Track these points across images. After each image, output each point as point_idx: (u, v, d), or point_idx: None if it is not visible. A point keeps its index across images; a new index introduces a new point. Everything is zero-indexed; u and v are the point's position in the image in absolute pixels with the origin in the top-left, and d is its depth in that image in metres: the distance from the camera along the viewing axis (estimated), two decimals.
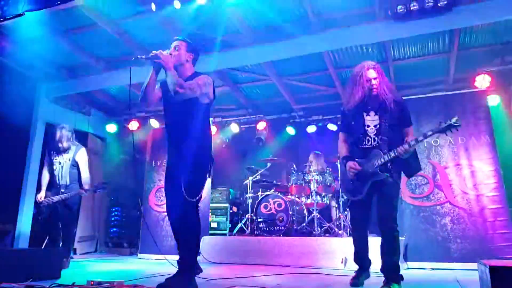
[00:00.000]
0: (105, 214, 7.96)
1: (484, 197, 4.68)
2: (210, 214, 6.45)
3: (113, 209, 7.91)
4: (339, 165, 5.63)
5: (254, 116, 7.39)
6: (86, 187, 4.75)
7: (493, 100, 5.39)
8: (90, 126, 7.75)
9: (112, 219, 7.88)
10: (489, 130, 4.90)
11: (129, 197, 7.93)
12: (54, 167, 4.76)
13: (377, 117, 3.01)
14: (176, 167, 2.90)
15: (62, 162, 4.78)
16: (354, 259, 3.22)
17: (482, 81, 5.27)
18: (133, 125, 7.57)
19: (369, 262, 3.20)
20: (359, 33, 4.77)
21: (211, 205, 6.50)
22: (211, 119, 3.32)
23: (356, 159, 3.03)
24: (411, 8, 4.37)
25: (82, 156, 4.86)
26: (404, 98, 5.48)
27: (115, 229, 7.82)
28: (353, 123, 3.10)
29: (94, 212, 7.75)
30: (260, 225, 5.78)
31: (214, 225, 6.67)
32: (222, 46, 5.39)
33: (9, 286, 2.58)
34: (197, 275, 2.99)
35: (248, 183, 6.38)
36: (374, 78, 3.00)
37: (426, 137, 2.87)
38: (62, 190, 4.66)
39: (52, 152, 4.86)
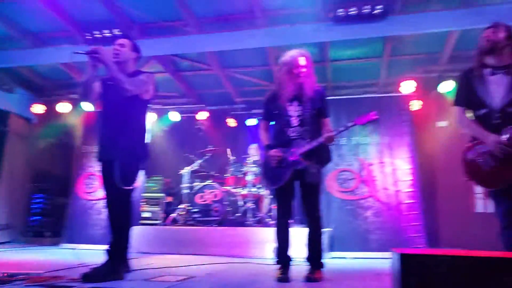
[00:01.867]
0: (24, 201, 7.38)
1: (401, 193, 5.15)
2: (143, 203, 6.30)
3: (36, 196, 7.36)
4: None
5: (195, 106, 7.33)
6: None
7: (416, 105, 5.88)
8: (13, 105, 7.15)
9: (34, 206, 7.32)
10: (410, 132, 5.36)
11: (55, 183, 7.44)
12: None
13: (300, 107, 3.02)
14: (111, 158, 2.91)
15: None
16: (276, 256, 3.10)
17: (407, 86, 5.72)
18: (64, 106, 7.12)
19: (290, 259, 3.09)
20: (302, 32, 4.93)
21: (145, 194, 6.34)
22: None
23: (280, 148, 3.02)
24: (350, 13, 4.62)
25: None
26: (338, 97, 5.89)
27: (36, 218, 7.28)
28: (276, 112, 3.08)
29: (12, 199, 7.17)
30: (194, 216, 5.79)
31: (147, 215, 6.50)
32: (166, 31, 5.29)
33: None
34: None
35: (184, 173, 6.33)
36: (303, 66, 2.98)
37: (347, 128, 2.97)
38: None
39: None
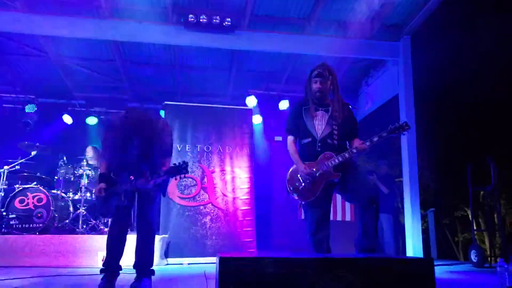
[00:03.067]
0: None
1: (238, 200, 5.46)
2: None
3: None
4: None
5: (23, 96, 6.37)
6: None
7: (257, 119, 6.35)
8: None
9: None
10: (250, 144, 5.75)
11: None
12: None
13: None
14: None
15: None
16: (103, 265, 2.92)
17: (250, 101, 6.15)
18: None
19: (119, 268, 2.97)
20: (150, 31, 4.80)
21: None
22: None
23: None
24: (201, 20, 4.71)
25: None
26: (185, 104, 5.92)
27: None
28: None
29: None
30: (11, 222, 4.97)
31: None
32: None
33: None
34: None
35: (2, 173, 5.40)
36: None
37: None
38: None
39: None
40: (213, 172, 5.52)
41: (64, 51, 5.60)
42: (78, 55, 5.73)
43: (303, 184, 2.93)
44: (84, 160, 5.59)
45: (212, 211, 5.32)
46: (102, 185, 2.96)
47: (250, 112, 6.04)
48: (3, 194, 5.23)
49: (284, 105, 6.24)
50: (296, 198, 3.01)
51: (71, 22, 4.65)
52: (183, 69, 6.04)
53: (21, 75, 6.22)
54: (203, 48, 5.38)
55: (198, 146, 5.56)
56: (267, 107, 6.44)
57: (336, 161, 2.86)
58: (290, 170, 3.08)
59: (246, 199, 5.47)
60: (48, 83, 6.38)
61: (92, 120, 6.53)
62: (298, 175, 2.97)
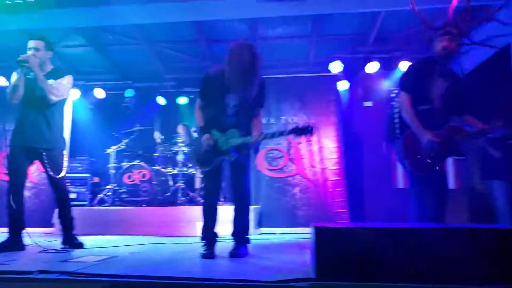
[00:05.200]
0: None
1: (327, 170, 5.37)
2: (68, 184, 5.95)
3: None
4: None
5: (122, 82, 6.95)
6: None
7: (342, 85, 6.09)
8: None
9: None
10: (337, 111, 5.57)
11: None
12: None
13: (237, 97, 3.00)
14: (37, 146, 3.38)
15: None
16: (202, 233, 3.14)
17: (335, 67, 5.89)
18: None
19: (216, 237, 3.15)
20: (229, 7, 4.81)
21: (69, 175, 5.99)
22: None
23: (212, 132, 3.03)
24: None
25: None
26: (266, 76, 5.92)
27: None
28: (214, 100, 3.05)
29: None
30: (122, 196, 5.62)
31: (73, 196, 6.17)
32: (84, 1, 4.89)
33: None
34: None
35: (111, 153, 6.06)
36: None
37: (282, 135, 2.99)
38: None
39: None
40: (299, 143, 5.50)
41: (153, 36, 5.94)
42: (166, 39, 6.02)
43: (426, 154, 2.64)
44: (178, 138, 5.98)
45: (300, 182, 5.34)
46: (208, 136, 3.00)
47: (334, 79, 5.82)
48: (114, 172, 5.88)
49: (372, 67, 5.83)
50: (408, 167, 2.75)
51: (158, 8, 4.86)
52: (262, 42, 6.00)
53: (119, 63, 6.77)
54: (279, 18, 5.25)
55: (282, 118, 5.57)
56: (353, 71, 6.12)
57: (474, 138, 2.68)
58: (407, 135, 2.76)
59: (335, 169, 5.37)
60: (142, 68, 6.86)
61: (182, 100, 6.89)
62: (421, 143, 2.67)
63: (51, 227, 5.13)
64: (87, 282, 1.94)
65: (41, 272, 2.04)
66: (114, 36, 5.90)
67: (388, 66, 5.80)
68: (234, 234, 3.14)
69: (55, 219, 4.86)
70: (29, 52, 3.34)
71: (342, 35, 5.91)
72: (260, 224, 5.13)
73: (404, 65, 5.45)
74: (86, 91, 6.81)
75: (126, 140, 6.18)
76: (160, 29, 5.64)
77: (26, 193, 5.39)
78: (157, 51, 6.29)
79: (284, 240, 4.46)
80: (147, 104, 6.97)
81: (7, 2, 4.83)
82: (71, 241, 3.55)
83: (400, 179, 5.30)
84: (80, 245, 3.51)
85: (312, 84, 5.59)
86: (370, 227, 2.00)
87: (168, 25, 5.31)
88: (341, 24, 5.65)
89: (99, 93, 6.80)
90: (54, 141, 3.48)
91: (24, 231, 3.41)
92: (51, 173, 3.42)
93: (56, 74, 3.48)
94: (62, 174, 3.51)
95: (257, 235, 4.87)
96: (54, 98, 3.38)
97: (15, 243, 3.31)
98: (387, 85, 5.63)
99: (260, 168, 5.34)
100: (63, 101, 3.56)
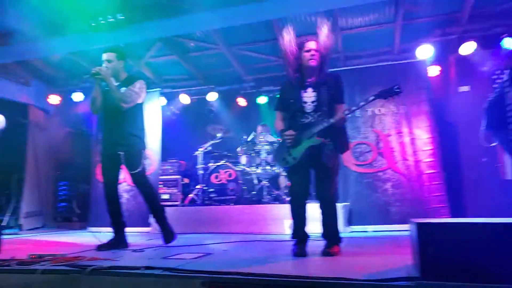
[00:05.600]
0: (52, 189, 7.61)
1: (422, 163, 4.96)
2: (161, 186, 6.38)
3: (61, 184, 7.57)
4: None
5: (205, 87, 7.24)
6: None
7: (433, 70, 5.60)
8: (30, 97, 7.26)
9: (60, 193, 7.54)
10: (428, 99, 5.13)
11: (77, 170, 7.60)
12: None
13: (314, 93, 2.96)
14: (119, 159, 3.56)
15: None
16: (292, 232, 3.10)
17: (424, 51, 5.44)
18: (78, 96, 7.19)
19: (307, 236, 3.08)
20: (306, 1, 4.71)
21: (162, 177, 6.41)
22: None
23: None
24: None
25: None
26: (351, 68, 5.70)
27: (63, 204, 7.51)
28: (291, 100, 3.02)
29: (40, 187, 7.39)
30: (211, 195, 5.83)
31: (165, 196, 6.59)
32: (168, 12, 5.17)
33: None
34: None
35: (198, 155, 6.34)
36: (315, 50, 2.92)
37: (367, 102, 2.88)
38: None
39: None
40: (388, 135, 5.17)
41: (231, 40, 6.08)
42: (243, 40, 6.12)
43: None
44: (260, 137, 6.04)
45: (392, 177, 5.01)
46: (290, 131, 2.98)
47: (423, 64, 5.38)
48: (202, 172, 6.14)
49: (467, 48, 5.27)
50: None
51: (236, 11, 4.93)
52: (343, 33, 5.78)
53: (201, 68, 7.07)
54: (360, 5, 5.00)
55: (369, 109, 5.28)
56: (444, 55, 5.60)
57: None
58: None
59: (430, 161, 4.93)
60: (222, 72, 7.08)
61: (262, 99, 6.95)
62: None
63: (148, 226, 5.48)
64: (188, 278, 2.01)
65: (147, 268, 2.16)
66: (195, 43, 6.16)
67: (487, 45, 5.20)
68: (324, 235, 3.04)
69: (151, 219, 5.19)
70: (103, 65, 3.57)
71: (430, 16, 5.45)
72: (350, 221, 4.93)
73: (508, 42, 4.84)
74: (172, 98, 7.22)
75: (212, 142, 6.42)
76: (237, 32, 5.74)
77: (125, 196, 5.97)
78: (235, 53, 6.43)
79: (377, 237, 4.23)
80: (228, 106, 7.17)
81: (101, 22, 5.30)
82: (166, 233, 3.70)
83: (509, 170, 4.70)
84: (172, 235, 3.71)
85: (399, 72, 5.20)
86: (482, 222, 1.77)
87: (244, 27, 5.37)
88: (428, 4, 5.21)
89: (184, 99, 7.16)
90: (131, 144, 3.59)
91: (125, 230, 3.68)
92: (128, 170, 3.57)
93: (129, 81, 3.65)
94: (139, 169, 3.57)
95: (347, 233, 4.69)
96: (125, 105, 3.52)
97: (120, 242, 3.58)
98: (487, 66, 5.03)
99: (347, 164, 5.12)
100: (138, 106, 3.67)
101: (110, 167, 3.65)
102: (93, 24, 5.30)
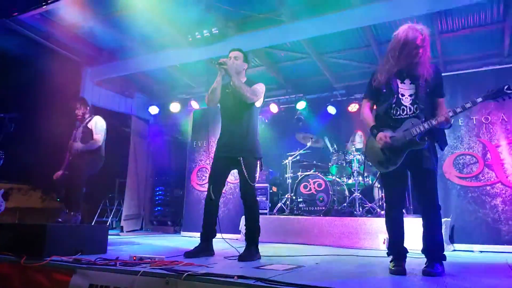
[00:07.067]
0: (149, 194, 8.28)
1: None
2: None
3: (157, 189, 8.21)
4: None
5: (294, 96, 7.29)
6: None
7: None
8: (133, 108, 8.02)
9: (156, 198, 8.17)
10: None
11: (172, 176, 8.17)
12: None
13: (413, 85, 2.76)
14: (236, 156, 3.41)
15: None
16: (388, 248, 2.90)
17: None
18: (175, 106, 7.74)
19: (406, 251, 2.84)
20: (403, 5, 4.49)
21: None
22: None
23: (387, 130, 2.76)
24: None
25: (95, 122, 4.69)
26: (452, 73, 5.26)
27: (159, 208, 8.13)
28: (384, 90, 2.80)
29: (139, 191, 8.10)
30: (300, 205, 5.78)
31: None
32: (258, 24, 5.33)
33: (59, 259, 2.74)
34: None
35: (287, 163, 6.36)
36: (421, 45, 2.68)
37: (475, 104, 2.62)
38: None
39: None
40: (497, 146, 4.65)
41: (321, 48, 6.04)
42: (334, 48, 6.04)
43: None
44: (352, 146, 5.86)
45: (503, 191, 4.48)
46: (382, 134, 2.76)
47: None
48: (290, 181, 6.15)
49: None
50: None
51: (327, 19, 4.90)
52: (443, 36, 5.39)
53: (290, 77, 7.14)
54: (461, 7, 4.60)
55: (474, 118, 4.81)
56: None
57: None
58: None
59: None
60: (312, 80, 7.08)
61: (353, 108, 6.77)
62: None
63: (238, 233, 5.61)
64: None
65: (240, 277, 2.20)
66: (285, 53, 6.25)
67: None
68: (425, 251, 2.80)
69: (242, 227, 5.29)
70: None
71: None
72: (451, 239, 4.52)
73: None
74: (262, 107, 7.36)
75: (301, 151, 6.40)
76: (327, 41, 5.69)
77: None
78: (325, 62, 6.38)
79: (485, 259, 3.81)
80: (318, 114, 7.11)
81: (198, 37, 5.65)
82: (247, 253, 3.32)
83: None
84: (251, 257, 3.27)
85: (508, 76, 4.67)
86: None
87: (335, 35, 5.31)
88: None
89: (273, 108, 7.27)
90: (251, 149, 3.44)
91: (214, 238, 3.55)
92: (247, 179, 3.34)
93: (249, 84, 3.51)
94: (255, 182, 3.41)
95: (450, 251, 4.30)
96: (252, 97, 3.38)
97: (206, 249, 3.46)
98: None
99: (449, 176, 4.71)
100: (256, 110, 3.55)
101: (221, 171, 3.52)
102: (190, 39, 5.69)
